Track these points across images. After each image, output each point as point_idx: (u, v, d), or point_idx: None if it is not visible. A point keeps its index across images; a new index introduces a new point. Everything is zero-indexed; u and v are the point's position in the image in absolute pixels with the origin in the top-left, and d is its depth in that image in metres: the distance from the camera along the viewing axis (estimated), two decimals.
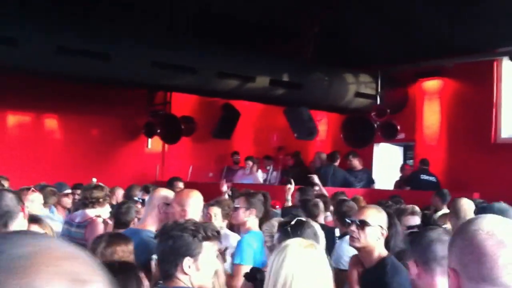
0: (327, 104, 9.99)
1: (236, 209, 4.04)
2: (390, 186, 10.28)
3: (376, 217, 3.01)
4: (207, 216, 4.11)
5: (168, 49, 8.09)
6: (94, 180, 8.64)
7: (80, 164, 10.18)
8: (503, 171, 9.26)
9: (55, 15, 7.32)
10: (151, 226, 3.50)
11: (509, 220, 1.50)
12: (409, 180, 9.51)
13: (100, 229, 4.17)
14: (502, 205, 3.42)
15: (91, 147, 10.74)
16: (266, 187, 9.11)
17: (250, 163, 10.47)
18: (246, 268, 3.66)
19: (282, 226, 2.73)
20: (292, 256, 1.90)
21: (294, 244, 1.96)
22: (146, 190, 5.51)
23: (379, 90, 10.21)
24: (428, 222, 5.71)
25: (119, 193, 6.75)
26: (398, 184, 10.10)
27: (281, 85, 9.23)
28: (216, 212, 4.32)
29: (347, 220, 3.09)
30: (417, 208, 4.85)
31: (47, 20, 7.06)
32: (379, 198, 7.73)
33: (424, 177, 9.43)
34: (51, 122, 10.78)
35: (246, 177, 10.45)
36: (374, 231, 2.95)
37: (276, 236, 2.76)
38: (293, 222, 2.67)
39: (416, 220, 4.57)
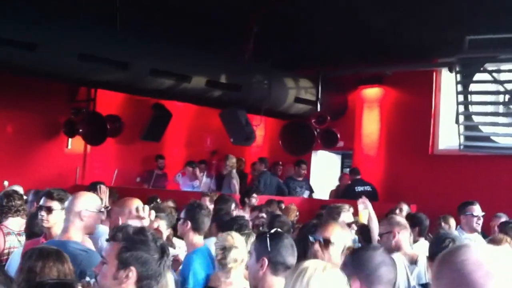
0: (265, 108, 9.96)
1: (177, 220, 4.10)
2: (327, 195, 10.42)
3: (340, 234, 3.04)
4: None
5: (98, 41, 7.75)
6: (6, 183, 8.15)
7: None
8: (440, 182, 9.62)
9: None
10: (76, 237, 3.26)
11: (497, 248, 1.53)
12: (345, 193, 9.64)
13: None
14: None
15: (3, 144, 10.09)
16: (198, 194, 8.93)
17: (190, 169, 10.28)
18: None
19: (260, 236, 2.75)
20: (316, 280, 2.00)
21: (314, 266, 2.06)
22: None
23: (319, 96, 10.32)
24: (368, 234, 5.80)
25: None
26: (334, 194, 10.23)
27: (218, 86, 9.09)
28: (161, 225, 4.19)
29: (310, 238, 3.07)
30: None
31: None
32: (315, 208, 7.84)
33: (359, 188, 9.60)
34: None
35: (188, 184, 10.25)
36: (338, 250, 2.97)
37: (252, 246, 2.77)
38: (272, 231, 2.69)
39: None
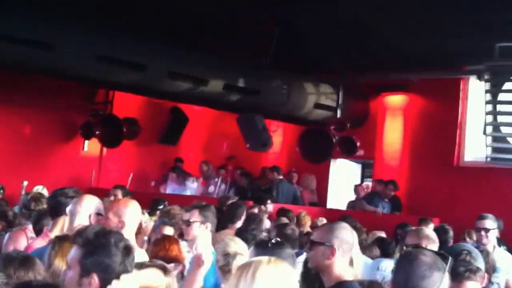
0: (284, 113, 9.94)
1: (189, 223, 3.98)
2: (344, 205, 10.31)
3: (327, 235, 2.93)
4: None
5: (116, 43, 7.83)
6: (25, 183, 8.28)
7: (5, 163, 9.67)
8: (464, 196, 9.45)
9: None
10: None
11: None
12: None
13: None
14: None
15: (20, 145, 10.22)
16: (210, 200, 8.94)
17: (174, 174, 10.31)
18: None
19: (260, 244, 2.73)
20: (261, 272, 2.00)
21: (258, 260, 2.07)
22: None
23: (339, 102, 10.25)
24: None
25: None
26: (351, 205, 10.10)
27: (236, 91, 9.10)
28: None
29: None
30: None
31: None
32: (329, 218, 7.77)
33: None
34: None
35: (176, 187, 10.27)
36: (320, 251, 2.89)
37: (251, 253, 2.74)
38: (273, 241, 2.69)
39: None
